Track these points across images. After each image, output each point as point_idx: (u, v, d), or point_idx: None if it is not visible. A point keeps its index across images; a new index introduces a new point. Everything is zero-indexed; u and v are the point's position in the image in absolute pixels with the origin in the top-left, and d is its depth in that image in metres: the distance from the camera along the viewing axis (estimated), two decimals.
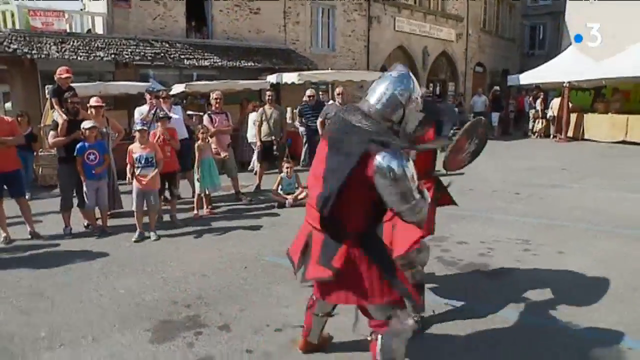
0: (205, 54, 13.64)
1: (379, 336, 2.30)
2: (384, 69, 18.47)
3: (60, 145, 5.50)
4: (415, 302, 2.49)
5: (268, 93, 8.54)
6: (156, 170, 5.45)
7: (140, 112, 6.78)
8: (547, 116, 15.15)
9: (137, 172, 5.41)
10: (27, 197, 6.44)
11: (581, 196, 7.05)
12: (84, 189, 5.64)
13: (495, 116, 16.13)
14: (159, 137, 5.86)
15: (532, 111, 15.87)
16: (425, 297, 3.57)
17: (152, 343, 3.11)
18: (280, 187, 7.30)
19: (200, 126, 6.67)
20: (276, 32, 15.70)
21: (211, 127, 6.97)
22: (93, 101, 6.51)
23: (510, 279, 3.97)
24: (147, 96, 6.87)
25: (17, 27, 11.31)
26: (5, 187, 5.51)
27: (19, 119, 8.02)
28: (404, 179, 2.05)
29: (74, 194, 5.84)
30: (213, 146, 6.90)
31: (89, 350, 3.05)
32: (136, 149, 5.46)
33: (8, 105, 11.52)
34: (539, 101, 15.49)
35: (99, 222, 5.89)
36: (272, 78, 13.50)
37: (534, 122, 15.79)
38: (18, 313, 3.66)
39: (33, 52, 10.57)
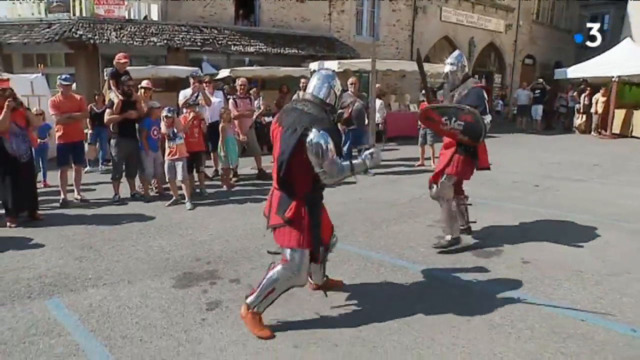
0: (252, 41, 14.30)
1: (278, 266, 3.00)
2: (427, 59, 18.44)
3: (114, 121, 6.30)
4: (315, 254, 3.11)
5: (302, 80, 9.05)
6: (181, 140, 6.24)
7: (185, 95, 7.50)
8: (591, 111, 14.69)
9: (168, 144, 6.22)
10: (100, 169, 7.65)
11: (599, 191, 7.10)
12: (146, 159, 6.54)
13: (536, 109, 15.80)
14: (189, 121, 6.55)
15: (577, 106, 15.41)
16: (409, 267, 4.02)
17: (175, 288, 3.75)
18: None
19: (223, 109, 7.37)
20: (321, 21, 16.11)
21: (235, 111, 7.64)
22: (144, 83, 7.33)
23: (497, 259, 4.29)
24: (191, 80, 7.56)
25: (84, 14, 12.41)
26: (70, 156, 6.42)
27: (95, 97, 9.06)
28: (322, 152, 2.81)
29: (124, 166, 6.65)
30: (235, 129, 7.62)
31: (125, 289, 3.74)
32: (163, 128, 6.35)
33: (73, 86, 12.68)
34: (583, 96, 15.01)
35: (153, 188, 6.92)
36: (314, 65, 13.98)
37: (577, 117, 15.35)
38: (73, 259, 4.44)
39: (95, 37, 11.63)
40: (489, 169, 4.71)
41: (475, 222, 5.08)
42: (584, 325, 3.11)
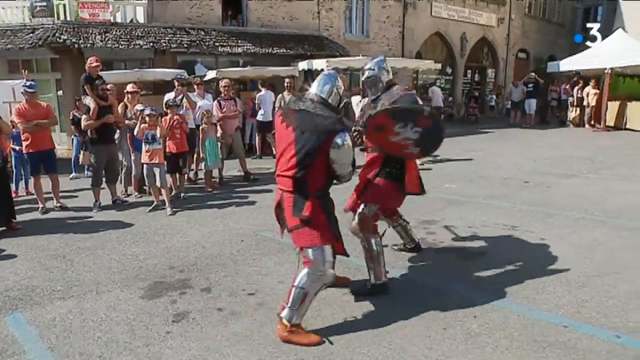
0: (239, 41, 14.13)
1: (302, 271, 2.91)
2: (419, 55, 18.35)
3: (91, 127, 6.16)
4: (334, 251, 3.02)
5: (287, 80, 8.92)
6: (159, 146, 6.12)
7: (169, 97, 7.37)
8: (583, 104, 14.57)
9: (145, 148, 6.07)
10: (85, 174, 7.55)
11: (591, 186, 6.96)
12: (132, 160, 6.55)
13: (529, 103, 15.67)
14: (170, 123, 6.41)
15: (570, 99, 15.29)
16: (391, 272, 3.89)
17: (143, 298, 3.61)
18: None
19: (205, 111, 7.26)
20: (309, 19, 15.95)
21: (219, 113, 7.52)
22: (129, 87, 7.24)
23: (481, 261, 4.14)
24: (176, 83, 7.44)
25: (68, 18, 12.24)
26: (41, 164, 6.27)
27: (77, 103, 8.91)
28: (347, 152, 2.92)
29: (103, 173, 6.52)
30: (219, 131, 7.52)
31: (91, 301, 3.60)
32: (135, 130, 6.27)
33: (60, 92, 12.54)
34: (576, 89, 14.89)
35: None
36: (303, 65, 13.87)
37: (571, 110, 15.22)
38: (43, 270, 4.30)
39: (80, 41, 11.45)
40: (420, 193, 3.86)
41: (455, 226, 4.94)
42: (567, 332, 2.96)
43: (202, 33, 13.75)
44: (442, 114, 15.45)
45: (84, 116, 6.19)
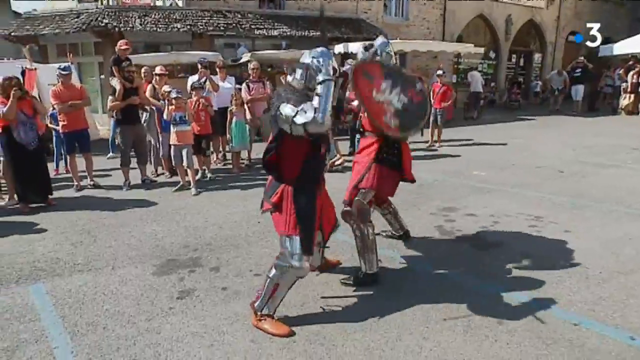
0: (276, 24, 14.14)
1: (276, 261, 2.85)
2: (460, 39, 17.69)
3: (117, 108, 6.37)
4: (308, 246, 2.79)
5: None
6: (188, 127, 6.21)
7: (192, 80, 7.50)
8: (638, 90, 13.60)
9: (173, 129, 6.19)
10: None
11: (632, 178, 6.52)
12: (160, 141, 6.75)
13: (577, 90, 14.79)
14: (195, 104, 6.52)
15: (624, 85, 14.31)
16: (397, 258, 3.81)
17: (154, 275, 3.73)
18: None
19: (234, 93, 7.32)
20: (347, 2, 15.68)
21: (247, 95, 7.55)
22: (157, 69, 7.42)
23: (497, 252, 3.99)
24: (199, 66, 7.54)
25: (111, 3, 12.65)
26: (76, 144, 6.56)
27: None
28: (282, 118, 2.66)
29: (132, 153, 6.74)
30: (248, 114, 7.55)
31: (106, 275, 3.76)
32: (165, 113, 6.39)
33: (102, 76, 13.03)
34: (631, 73, 13.90)
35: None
36: (339, 48, 13.70)
37: (624, 97, 14.26)
38: (68, 244, 4.52)
39: (120, 25, 11.82)
40: (412, 181, 3.70)
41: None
42: (576, 330, 2.81)
43: (239, 16, 13.84)
44: (482, 99, 14.89)
45: (110, 97, 6.41)
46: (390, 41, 12.01)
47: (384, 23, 16.11)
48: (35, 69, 9.42)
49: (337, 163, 7.47)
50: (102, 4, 12.80)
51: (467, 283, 3.44)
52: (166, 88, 6.74)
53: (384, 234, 4.34)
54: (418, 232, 4.48)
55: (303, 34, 14.17)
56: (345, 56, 13.54)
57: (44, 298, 3.41)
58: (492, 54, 19.13)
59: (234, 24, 13.48)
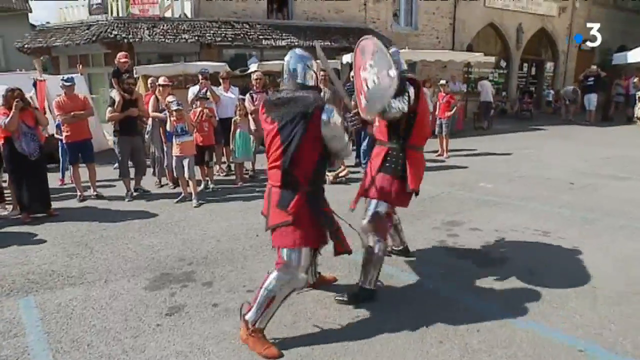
0: (283, 34, 14.15)
1: (273, 272, 2.77)
2: (470, 48, 17.54)
3: (115, 119, 6.36)
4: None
5: (322, 73, 8.75)
6: (190, 137, 6.17)
7: (193, 91, 7.50)
8: None
9: (175, 140, 6.17)
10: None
11: None
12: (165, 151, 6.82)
13: (589, 99, 14.51)
14: (199, 115, 6.49)
15: (638, 93, 14.00)
16: (395, 275, 3.68)
17: (145, 289, 3.65)
18: None
19: (238, 103, 7.28)
20: (356, 11, 15.68)
21: (251, 106, 7.50)
22: (161, 80, 7.41)
23: (499, 269, 3.82)
24: (200, 77, 7.54)
25: (120, 14, 12.81)
26: (79, 154, 6.56)
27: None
28: (338, 126, 2.73)
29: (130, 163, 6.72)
30: (252, 125, 7.49)
31: (98, 289, 3.68)
32: (168, 125, 6.39)
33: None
34: None
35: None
36: (347, 57, 13.68)
37: (639, 106, 13.95)
38: (65, 256, 4.47)
39: (129, 36, 11.94)
40: (413, 192, 3.42)
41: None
42: (581, 356, 2.65)
43: (247, 26, 13.90)
44: (493, 109, 14.70)
45: (109, 108, 6.40)
46: (403, 51, 11.76)
47: (393, 32, 16.05)
48: (44, 80, 9.55)
49: (341, 174, 7.37)
50: (111, 15, 12.96)
51: (467, 302, 3.29)
52: (170, 99, 6.72)
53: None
54: (419, 246, 4.35)
55: (311, 43, 14.15)
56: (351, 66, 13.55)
57: (32, 312, 3.35)
58: (502, 63, 18.93)
59: (241, 35, 13.53)
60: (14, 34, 15.07)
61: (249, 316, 2.74)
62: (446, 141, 9.38)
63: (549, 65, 20.73)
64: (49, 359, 2.74)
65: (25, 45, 13.21)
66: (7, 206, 6.16)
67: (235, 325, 2.99)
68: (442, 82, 9.61)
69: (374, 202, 3.37)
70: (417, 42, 16.25)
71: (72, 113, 6.30)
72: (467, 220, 5.17)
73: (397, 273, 3.81)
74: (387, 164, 3.38)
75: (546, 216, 5.25)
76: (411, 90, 3.24)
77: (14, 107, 5.39)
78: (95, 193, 6.79)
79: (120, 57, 6.58)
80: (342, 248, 3.06)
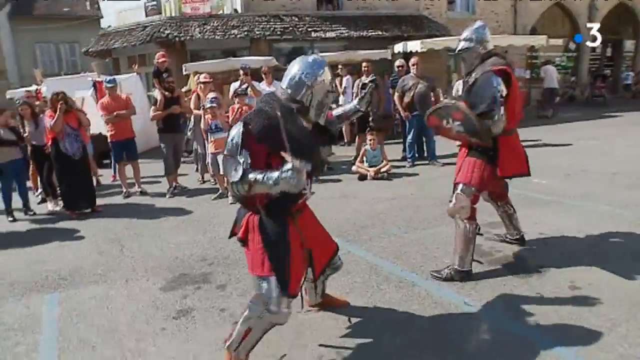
0: (333, 26, 13.92)
1: (249, 303, 2.46)
2: (534, 31, 16.29)
3: (159, 118, 6.51)
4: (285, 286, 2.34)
5: (364, 64, 8.47)
6: (224, 134, 6.16)
7: (234, 87, 7.50)
8: None
9: (211, 137, 6.19)
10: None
11: None
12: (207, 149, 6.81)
13: None
14: (237, 111, 6.46)
15: None
16: (418, 284, 3.40)
17: (161, 290, 3.65)
18: (365, 159, 7.37)
19: None
20: None
21: None
22: (202, 77, 7.50)
23: (537, 281, 3.38)
24: (241, 72, 7.53)
25: (173, 14, 13.22)
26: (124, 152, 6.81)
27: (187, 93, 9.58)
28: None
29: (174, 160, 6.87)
30: None
31: (118, 288, 3.75)
32: (202, 123, 6.43)
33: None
34: None
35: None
36: (398, 47, 13.23)
37: None
38: (96, 253, 4.63)
39: (181, 35, 12.29)
40: (526, 174, 3.68)
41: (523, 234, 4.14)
42: None
43: (296, 19, 13.81)
44: (558, 95, 13.55)
45: (152, 107, 6.56)
46: (448, 38, 11.18)
47: (448, 19, 15.27)
48: (102, 81, 10.06)
49: (383, 170, 7.07)
50: (164, 15, 13.40)
51: (491, 321, 2.94)
52: (210, 95, 6.77)
53: (497, 237, 4.18)
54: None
55: (362, 34, 13.82)
56: (406, 56, 13.05)
57: (53, 309, 3.46)
58: (572, 46, 17.41)
59: (290, 28, 13.46)
60: (88, 40, 16.06)
61: (229, 342, 2.49)
62: None
63: (629, 44, 18.76)
64: (54, 358, 2.79)
65: (90, 49, 14.05)
66: (59, 202, 6.52)
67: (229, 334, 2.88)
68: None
69: (460, 185, 3.45)
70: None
71: (115, 113, 6.54)
72: None
73: (422, 282, 3.49)
74: (476, 148, 3.42)
75: (603, 218, 4.66)
76: (501, 87, 3.23)
77: (58, 110, 5.66)
78: (139, 189, 7.03)
79: (159, 57, 6.72)
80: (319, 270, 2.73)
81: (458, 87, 9.34)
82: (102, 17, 19.95)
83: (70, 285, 3.89)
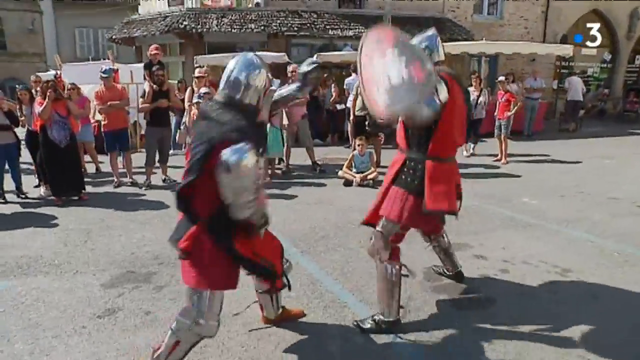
0: (352, 24, 13.75)
1: (178, 315, 2.44)
2: (564, 39, 15.56)
3: (146, 110, 6.58)
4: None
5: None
6: None
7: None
8: None
9: None
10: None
11: None
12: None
13: None
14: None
15: None
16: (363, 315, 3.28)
17: (102, 286, 3.68)
18: (353, 164, 7.24)
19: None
20: (434, 0, 14.68)
21: None
22: (197, 72, 7.56)
23: (482, 315, 3.17)
24: None
25: (193, 5, 13.36)
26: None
27: (178, 85, 9.72)
28: (239, 176, 2.09)
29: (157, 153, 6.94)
30: (284, 119, 7.28)
31: (63, 281, 3.80)
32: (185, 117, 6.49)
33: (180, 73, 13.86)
34: None
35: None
36: None
37: None
38: (61, 243, 4.71)
39: (198, 27, 12.42)
40: (452, 213, 2.98)
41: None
42: None
43: (315, 16, 13.72)
44: (582, 108, 12.92)
45: (140, 99, 6.63)
46: (471, 43, 10.83)
47: (473, 23, 14.80)
48: (117, 69, 10.29)
49: (369, 177, 6.92)
50: (184, 7, 13.56)
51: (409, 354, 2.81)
52: (203, 90, 6.79)
53: (435, 269, 3.79)
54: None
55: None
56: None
57: None
58: (606, 56, 16.54)
59: (308, 24, 13.39)
60: None
61: (156, 354, 2.46)
62: (505, 145, 8.40)
63: None
64: None
65: (114, 36, 14.40)
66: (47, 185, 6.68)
67: (149, 339, 2.86)
68: (501, 78, 8.57)
69: (382, 220, 2.98)
70: (500, 33, 14.82)
71: (108, 103, 6.65)
72: (478, 244, 4.50)
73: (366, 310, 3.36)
74: (402, 177, 2.96)
75: (580, 248, 4.38)
76: (443, 89, 2.76)
77: (47, 98, 5.80)
78: (130, 180, 7.15)
79: (152, 49, 6.80)
80: (280, 285, 2.75)
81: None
82: (139, 3, 20.46)
83: (22, 274, 3.97)
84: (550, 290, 3.55)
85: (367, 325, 2.96)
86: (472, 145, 9.24)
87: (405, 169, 2.97)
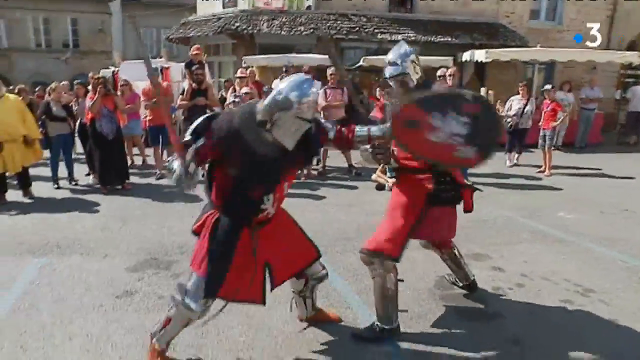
0: (401, 29, 13.62)
1: (171, 294, 2.59)
2: (632, 46, 14.56)
3: (184, 107, 6.91)
4: (211, 292, 2.43)
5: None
6: None
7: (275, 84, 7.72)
8: None
9: None
10: None
11: None
12: None
13: None
14: None
15: None
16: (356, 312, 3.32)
17: (126, 270, 3.95)
18: (387, 168, 7.22)
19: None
20: (487, 5, 14.22)
21: (323, 102, 7.38)
22: (239, 72, 7.83)
23: (486, 331, 3.09)
24: (284, 69, 7.72)
25: (246, 7, 13.77)
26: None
27: (225, 83, 10.15)
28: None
29: None
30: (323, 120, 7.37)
31: (93, 262, 4.12)
32: None
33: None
34: None
35: None
36: (466, 55, 12.68)
37: None
38: (99, 227, 5.10)
39: (249, 28, 12.79)
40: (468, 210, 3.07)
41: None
42: None
43: (364, 19, 13.71)
44: None
45: (180, 96, 6.97)
46: (521, 50, 10.51)
47: (529, 28, 14.18)
48: (169, 67, 10.87)
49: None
50: (237, 8, 14.00)
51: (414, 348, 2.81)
52: (245, 90, 7.05)
53: (448, 279, 3.72)
54: (414, 281, 3.76)
55: (429, 39, 13.36)
56: (476, 65, 12.40)
57: (31, 272, 3.89)
58: None
59: (357, 28, 13.41)
60: None
61: (153, 329, 2.64)
62: (549, 156, 8.04)
63: None
64: (2, 316, 3.16)
65: (171, 37, 15.14)
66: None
67: (157, 321, 3.05)
68: (547, 87, 8.19)
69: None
70: (559, 39, 14.10)
71: (153, 99, 7.05)
72: (499, 256, 4.37)
73: (344, 291, 3.41)
74: (437, 193, 2.90)
75: (605, 267, 4.15)
76: None
77: (97, 93, 6.26)
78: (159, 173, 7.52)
79: (193, 49, 7.12)
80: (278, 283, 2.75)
81: (511, 104, 8.76)
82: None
83: (60, 253, 4.34)
84: (565, 309, 3.40)
85: (365, 334, 2.97)
86: (516, 155, 8.92)
87: (437, 185, 2.89)
